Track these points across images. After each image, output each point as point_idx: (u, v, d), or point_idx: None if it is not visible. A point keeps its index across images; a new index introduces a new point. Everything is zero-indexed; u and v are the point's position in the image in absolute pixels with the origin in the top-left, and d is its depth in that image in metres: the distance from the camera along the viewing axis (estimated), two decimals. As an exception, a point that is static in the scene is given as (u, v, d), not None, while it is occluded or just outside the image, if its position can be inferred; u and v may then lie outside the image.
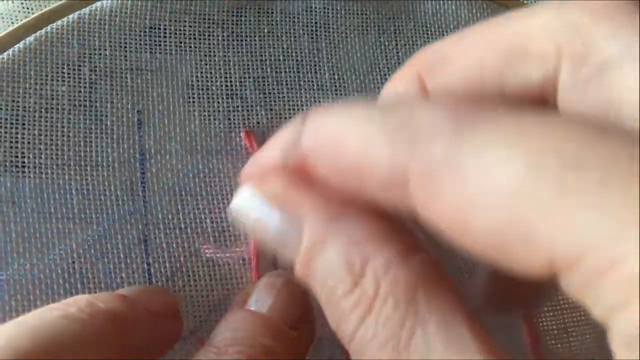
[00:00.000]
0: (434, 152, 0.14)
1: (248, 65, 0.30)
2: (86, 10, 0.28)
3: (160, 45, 0.29)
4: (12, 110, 0.27)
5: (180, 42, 0.29)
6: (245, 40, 0.30)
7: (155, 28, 0.29)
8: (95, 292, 0.25)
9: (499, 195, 0.13)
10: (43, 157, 0.27)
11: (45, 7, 0.28)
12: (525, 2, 0.40)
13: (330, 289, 0.16)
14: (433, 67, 0.21)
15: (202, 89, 0.29)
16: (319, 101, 0.30)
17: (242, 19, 0.31)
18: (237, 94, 0.29)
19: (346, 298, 0.16)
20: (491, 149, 0.13)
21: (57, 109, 0.27)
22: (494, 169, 0.13)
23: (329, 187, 0.17)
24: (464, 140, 0.14)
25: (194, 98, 0.29)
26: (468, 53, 0.20)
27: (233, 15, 0.30)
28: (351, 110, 0.16)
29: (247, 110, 0.29)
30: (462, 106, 0.15)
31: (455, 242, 0.14)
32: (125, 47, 0.29)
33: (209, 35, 0.30)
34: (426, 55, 0.21)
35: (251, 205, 0.18)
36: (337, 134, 0.16)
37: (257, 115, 0.29)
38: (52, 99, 0.27)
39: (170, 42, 0.29)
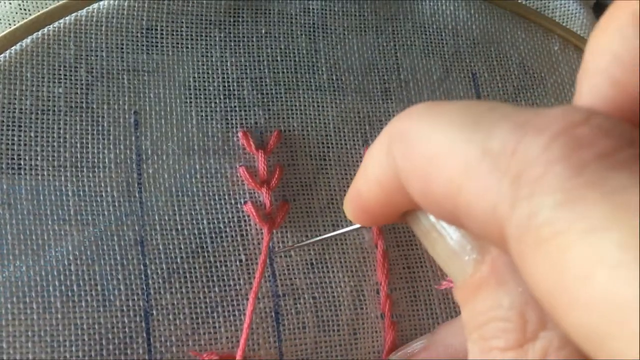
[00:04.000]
0: (536, 209, 0.12)
1: (245, 65, 0.30)
2: (83, 11, 0.28)
3: (157, 46, 0.29)
4: (8, 112, 0.27)
5: (177, 43, 0.29)
6: (243, 41, 0.30)
7: (152, 29, 0.29)
8: (92, 294, 0.25)
9: (602, 300, 0.10)
10: (39, 158, 0.27)
11: (42, 8, 0.28)
12: (522, 2, 0.40)
13: (489, 333, 0.15)
14: None
15: (200, 90, 0.29)
16: (317, 102, 0.30)
17: (239, 19, 0.30)
18: (234, 95, 0.29)
19: (502, 353, 0.14)
20: (604, 241, 0.11)
21: (54, 110, 0.27)
22: (603, 269, 0.11)
23: None
24: (576, 210, 0.11)
25: (191, 99, 0.29)
26: None
27: (230, 16, 0.30)
28: (447, 126, 0.14)
29: (245, 111, 0.29)
30: (586, 151, 0.12)
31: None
32: (122, 49, 0.29)
33: (206, 36, 0.30)
34: None
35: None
36: (432, 156, 0.14)
37: (255, 115, 0.29)
38: (49, 100, 0.27)
39: (167, 43, 0.29)
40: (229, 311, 0.26)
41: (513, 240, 0.12)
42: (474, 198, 0.13)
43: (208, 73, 0.29)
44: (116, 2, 0.29)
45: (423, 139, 0.15)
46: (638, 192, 0.11)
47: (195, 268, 0.26)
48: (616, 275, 0.10)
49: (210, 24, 0.30)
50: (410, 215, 0.17)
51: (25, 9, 0.30)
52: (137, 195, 0.27)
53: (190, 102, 0.29)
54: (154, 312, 0.25)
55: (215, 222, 0.27)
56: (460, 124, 0.14)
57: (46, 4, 0.30)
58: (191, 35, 0.30)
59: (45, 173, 0.26)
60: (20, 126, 0.27)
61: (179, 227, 0.27)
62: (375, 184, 0.17)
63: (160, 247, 0.26)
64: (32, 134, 0.27)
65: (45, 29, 0.28)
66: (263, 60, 0.30)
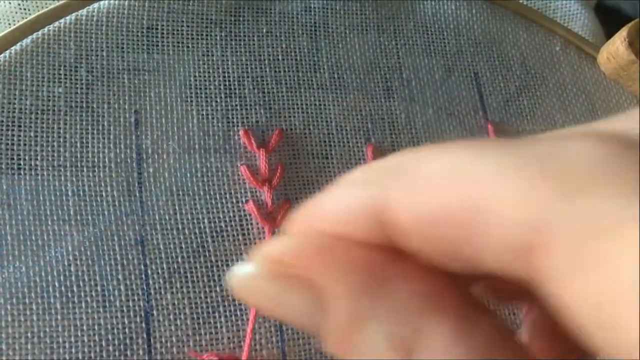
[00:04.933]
0: (597, 206, 0.10)
1: (247, 64, 0.30)
2: (83, 11, 0.28)
3: (157, 45, 0.29)
4: (9, 112, 0.26)
5: (178, 42, 0.29)
6: (244, 40, 0.30)
7: (152, 28, 0.29)
8: (92, 295, 0.25)
9: None
10: (39, 158, 0.26)
11: (42, 8, 0.28)
12: (524, 2, 0.39)
13: None
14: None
15: (200, 89, 0.29)
16: (319, 100, 0.30)
17: (240, 18, 0.30)
18: (235, 93, 0.29)
19: None
20: None
21: (54, 110, 0.27)
22: None
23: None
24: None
25: (192, 98, 0.29)
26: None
27: (231, 15, 0.30)
28: (455, 150, 0.13)
29: (246, 110, 0.29)
30: None
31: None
32: (122, 48, 0.28)
33: (207, 35, 0.30)
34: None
35: (258, 282, 0.14)
36: (440, 176, 0.12)
37: (256, 114, 0.29)
38: (49, 100, 0.27)
39: (168, 42, 0.29)
40: (230, 311, 0.26)
41: (555, 249, 0.11)
42: (498, 208, 0.11)
43: (209, 72, 0.29)
44: (116, 2, 0.29)
45: (429, 162, 0.13)
46: None
47: (196, 268, 0.26)
48: None
49: (211, 23, 0.30)
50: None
51: (25, 9, 0.30)
52: (137, 194, 0.27)
53: (191, 101, 0.28)
54: (155, 312, 0.25)
55: (217, 221, 0.27)
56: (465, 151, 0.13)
57: (46, 4, 0.29)
58: (192, 34, 0.29)
59: (45, 173, 0.26)
60: (20, 126, 0.26)
61: (180, 227, 0.26)
62: (345, 212, 0.14)
63: (161, 246, 0.26)
64: (32, 134, 0.27)
65: (46, 29, 0.28)
66: (264, 59, 0.30)
